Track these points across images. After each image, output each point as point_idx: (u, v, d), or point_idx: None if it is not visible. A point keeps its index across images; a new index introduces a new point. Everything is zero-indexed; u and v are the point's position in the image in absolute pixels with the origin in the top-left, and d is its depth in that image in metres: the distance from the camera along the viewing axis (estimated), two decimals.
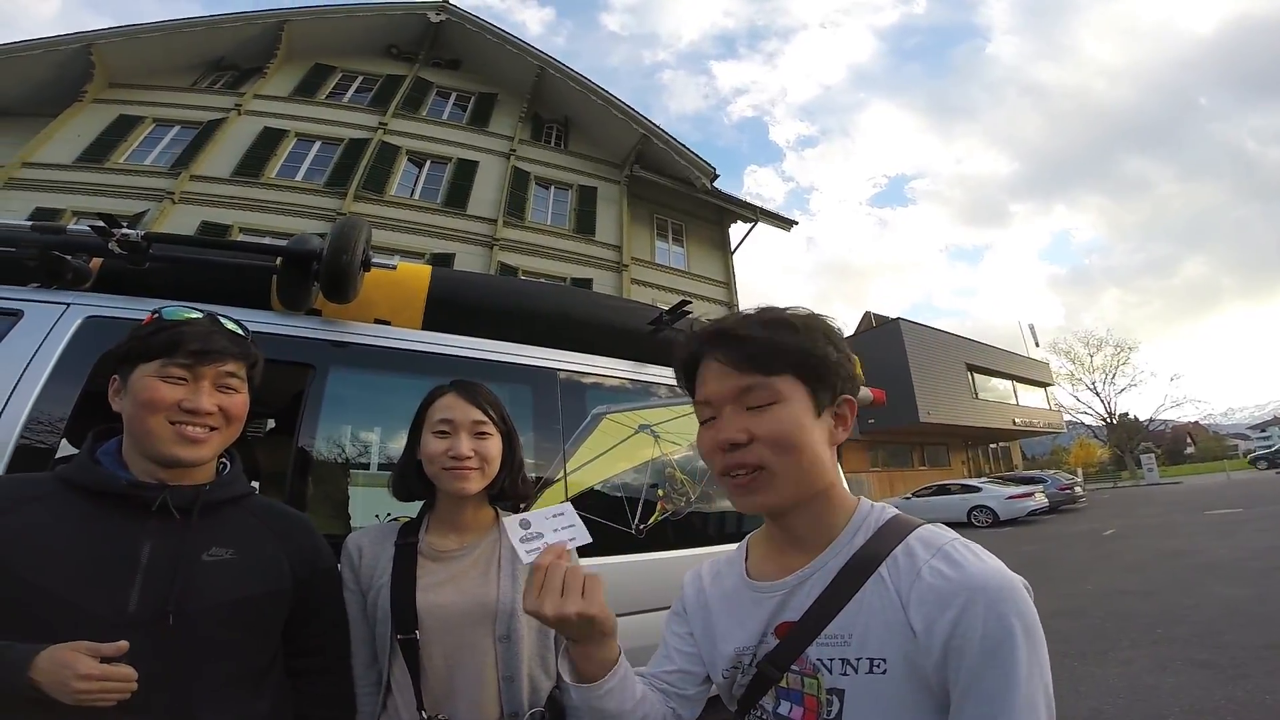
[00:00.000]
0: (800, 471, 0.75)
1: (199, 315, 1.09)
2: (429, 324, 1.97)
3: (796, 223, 16.95)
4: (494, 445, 1.27)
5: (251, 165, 13.08)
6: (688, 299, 2.31)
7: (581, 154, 16.34)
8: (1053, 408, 34.16)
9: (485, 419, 1.27)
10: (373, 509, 1.67)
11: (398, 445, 2.10)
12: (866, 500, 0.81)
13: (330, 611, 1.17)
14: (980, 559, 0.66)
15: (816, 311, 0.82)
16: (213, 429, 1.02)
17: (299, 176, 13.50)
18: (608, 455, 1.94)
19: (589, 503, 1.84)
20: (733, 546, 0.94)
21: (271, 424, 2.78)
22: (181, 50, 14.14)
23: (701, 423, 0.82)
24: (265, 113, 14.01)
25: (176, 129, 13.46)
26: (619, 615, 1.32)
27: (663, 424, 2.07)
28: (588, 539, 0.86)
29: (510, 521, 0.87)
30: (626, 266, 14.43)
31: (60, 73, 12.94)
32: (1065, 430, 37.67)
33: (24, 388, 1.46)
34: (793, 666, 0.74)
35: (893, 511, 0.78)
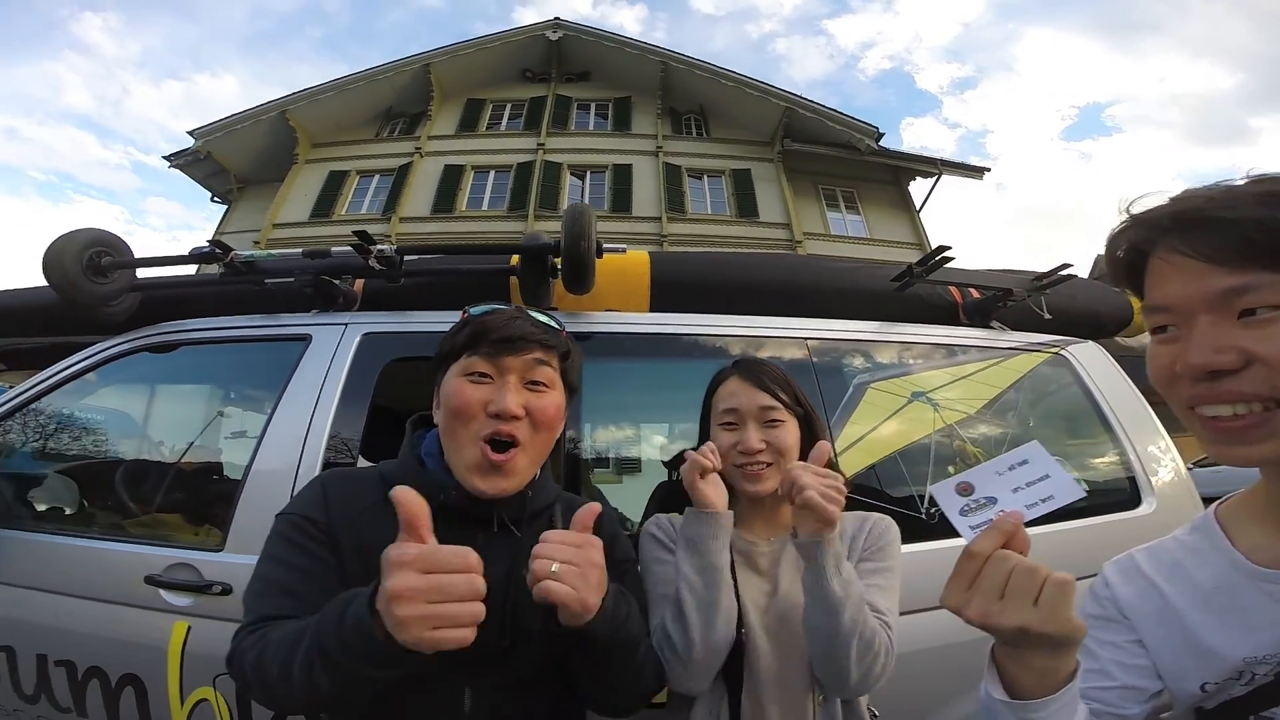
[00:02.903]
0: None
1: (504, 307, 0.99)
2: (656, 307, 1.89)
3: (989, 169, 15.08)
4: (789, 433, 1.09)
5: (444, 201, 14.46)
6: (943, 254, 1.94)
7: (725, 139, 16.00)
8: None
9: (775, 403, 1.10)
10: (642, 502, 1.60)
11: (662, 431, 2.06)
12: None
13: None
14: None
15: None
16: (517, 446, 0.88)
17: (484, 206, 14.66)
18: (880, 430, 1.67)
19: (865, 485, 1.61)
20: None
21: None
22: (356, 105, 15.87)
23: (1152, 332, 0.63)
24: (441, 151, 15.40)
25: (377, 178, 15.22)
26: (909, 612, 1.07)
27: (939, 389, 1.75)
28: (1077, 494, 0.64)
29: (943, 489, 0.67)
30: (800, 243, 13.74)
31: (272, 140, 15.13)
32: None
33: (323, 404, 1.57)
34: None
35: None
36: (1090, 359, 1.86)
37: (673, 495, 1.74)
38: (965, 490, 0.66)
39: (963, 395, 1.76)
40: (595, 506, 0.80)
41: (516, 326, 0.91)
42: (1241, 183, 0.58)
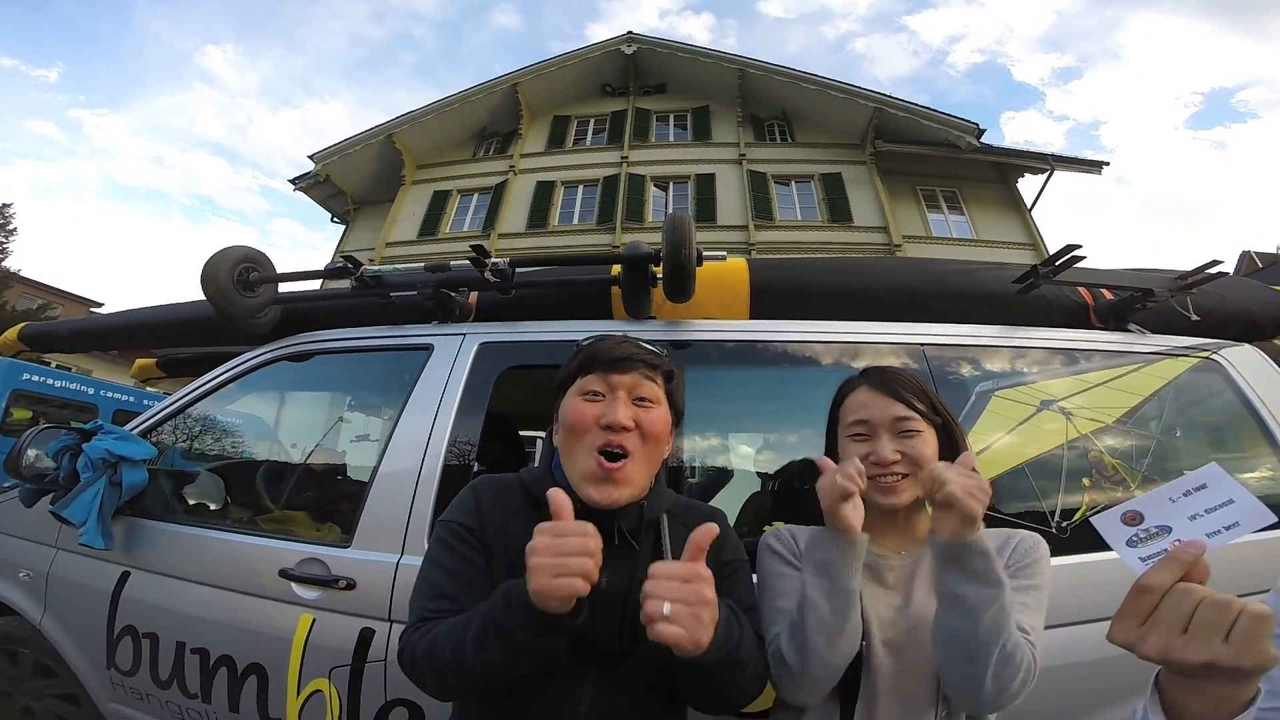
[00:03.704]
0: None
1: (613, 334, 1.08)
2: (756, 314, 1.87)
3: (1108, 163, 13.74)
4: (926, 443, 1.04)
5: (538, 217, 14.94)
6: (1073, 253, 1.79)
7: (811, 143, 15.59)
8: None
9: (910, 413, 1.05)
10: (759, 514, 1.57)
11: (765, 440, 2.02)
12: None
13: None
14: None
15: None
16: (628, 456, 0.95)
17: (575, 220, 15.01)
18: (1008, 440, 1.57)
19: (992, 497, 1.51)
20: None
21: None
22: (454, 126, 16.70)
23: None
24: (533, 169, 15.93)
25: (476, 196, 15.93)
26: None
27: (1071, 397, 1.62)
28: (1266, 518, 0.59)
29: (1107, 519, 0.62)
30: (899, 247, 13.12)
31: (380, 163, 16.18)
32: None
33: (444, 411, 1.64)
34: None
35: None
36: (1247, 363, 1.67)
37: (778, 504, 1.71)
38: (1133, 519, 0.61)
39: (1099, 403, 1.61)
40: (712, 529, 0.82)
41: (623, 349, 1.01)
42: None
